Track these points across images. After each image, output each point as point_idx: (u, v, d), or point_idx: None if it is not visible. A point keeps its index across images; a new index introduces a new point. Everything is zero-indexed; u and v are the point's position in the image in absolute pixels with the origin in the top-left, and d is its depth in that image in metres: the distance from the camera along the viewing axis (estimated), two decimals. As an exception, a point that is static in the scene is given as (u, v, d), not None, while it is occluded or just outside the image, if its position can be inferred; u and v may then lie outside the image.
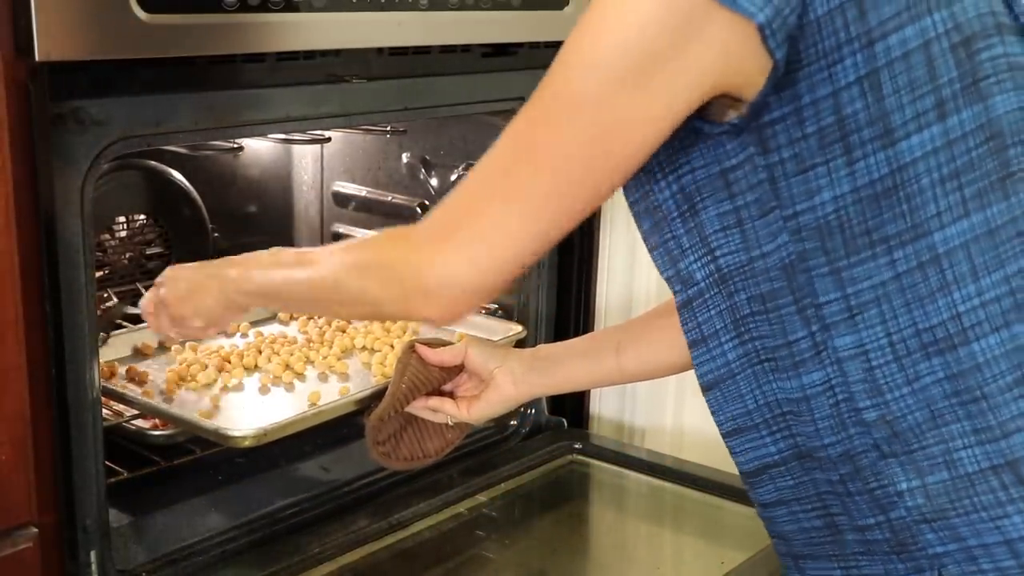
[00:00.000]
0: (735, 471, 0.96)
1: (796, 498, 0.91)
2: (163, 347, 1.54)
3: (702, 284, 0.88)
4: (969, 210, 0.79)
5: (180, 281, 1.18)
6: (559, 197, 0.83)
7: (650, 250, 0.92)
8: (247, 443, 1.26)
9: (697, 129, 0.83)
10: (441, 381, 1.26)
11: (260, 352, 1.51)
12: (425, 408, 1.26)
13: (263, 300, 1.14)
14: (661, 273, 0.92)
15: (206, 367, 1.44)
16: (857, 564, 0.89)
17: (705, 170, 0.85)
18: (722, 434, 0.93)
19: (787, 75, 0.78)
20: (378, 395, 1.30)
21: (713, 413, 0.92)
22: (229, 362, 1.49)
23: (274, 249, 1.13)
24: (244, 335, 1.62)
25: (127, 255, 1.71)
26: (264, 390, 1.42)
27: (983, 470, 0.80)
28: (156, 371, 1.45)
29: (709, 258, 0.87)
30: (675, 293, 0.91)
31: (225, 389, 1.41)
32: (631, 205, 0.92)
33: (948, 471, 0.81)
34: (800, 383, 0.85)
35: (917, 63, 0.77)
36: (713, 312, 0.89)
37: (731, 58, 0.77)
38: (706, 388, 0.92)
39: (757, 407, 0.89)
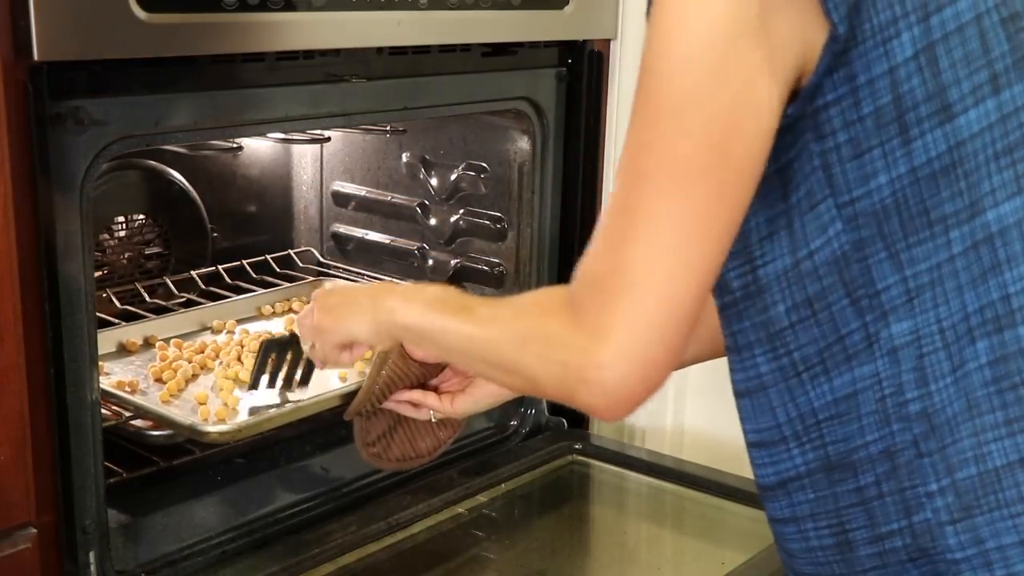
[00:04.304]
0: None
1: (812, 514, 0.88)
2: (148, 344, 1.53)
3: (737, 294, 0.86)
4: (1022, 187, 0.78)
5: (334, 294, 1.14)
6: (702, 215, 0.77)
7: None
8: (221, 439, 1.27)
9: None
10: (421, 377, 1.25)
11: (243, 347, 1.51)
12: (407, 404, 1.26)
13: (416, 338, 1.06)
14: None
15: (190, 362, 1.45)
16: None
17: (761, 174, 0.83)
18: (747, 443, 0.91)
19: (842, 54, 0.77)
20: (355, 392, 1.28)
21: (741, 421, 0.90)
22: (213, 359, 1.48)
23: (442, 287, 1.05)
24: (230, 332, 1.62)
25: (126, 255, 1.71)
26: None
27: (1011, 463, 0.79)
28: (139, 367, 1.45)
29: (748, 267, 0.85)
30: (714, 297, 0.88)
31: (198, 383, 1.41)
32: None
33: (977, 466, 0.79)
34: (852, 377, 0.82)
35: (971, 36, 0.77)
36: (747, 324, 0.86)
37: (803, 33, 0.76)
38: (737, 395, 0.90)
39: (788, 420, 0.86)
